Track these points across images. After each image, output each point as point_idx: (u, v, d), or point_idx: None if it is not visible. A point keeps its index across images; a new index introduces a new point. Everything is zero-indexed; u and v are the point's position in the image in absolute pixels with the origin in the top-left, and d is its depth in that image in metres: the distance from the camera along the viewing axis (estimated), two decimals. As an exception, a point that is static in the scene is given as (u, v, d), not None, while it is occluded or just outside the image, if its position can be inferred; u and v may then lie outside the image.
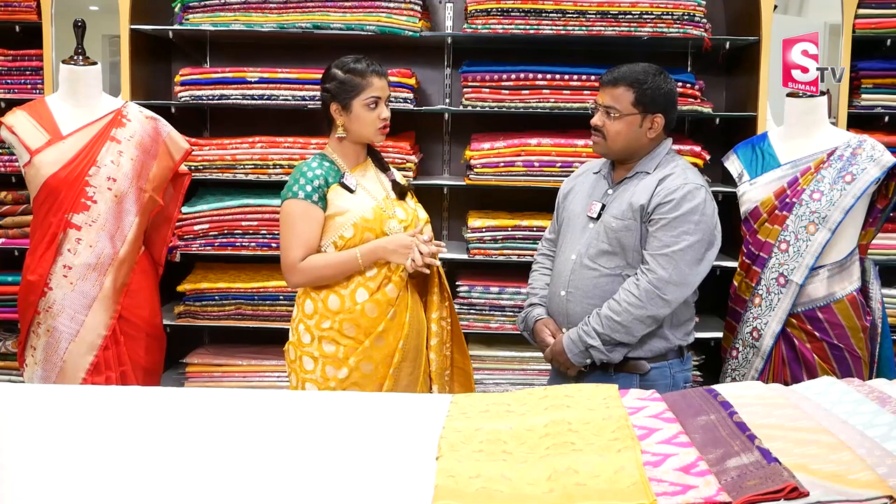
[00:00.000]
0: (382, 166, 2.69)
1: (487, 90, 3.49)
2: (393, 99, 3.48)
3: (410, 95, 3.51)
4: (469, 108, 3.52)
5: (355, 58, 2.57)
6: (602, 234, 2.51)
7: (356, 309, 2.51)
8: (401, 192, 2.67)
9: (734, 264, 3.21)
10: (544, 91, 3.47)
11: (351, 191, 2.54)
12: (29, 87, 3.66)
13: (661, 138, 2.57)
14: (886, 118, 3.59)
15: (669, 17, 3.39)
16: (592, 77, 3.42)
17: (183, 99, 3.56)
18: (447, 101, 3.83)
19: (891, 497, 1.35)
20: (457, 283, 3.56)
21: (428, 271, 2.56)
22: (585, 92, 3.45)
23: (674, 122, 2.59)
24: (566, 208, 2.70)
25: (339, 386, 2.51)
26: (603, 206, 2.55)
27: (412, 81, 3.52)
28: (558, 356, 2.54)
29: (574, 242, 2.58)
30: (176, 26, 3.56)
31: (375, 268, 2.53)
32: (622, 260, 2.49)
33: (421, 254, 2.48)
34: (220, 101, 3.55)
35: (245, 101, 3.55)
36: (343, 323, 2.51)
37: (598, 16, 3.39)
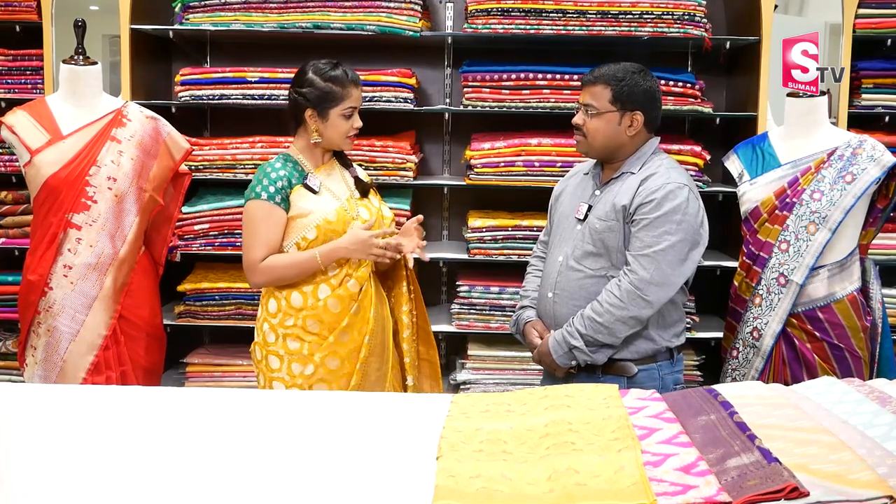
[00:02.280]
0: (345, 163, 2.71)
1: (488, 90, 3.48)
2: (393, 99, 3.50)
3: (410, 95, 3.51)
4: (469, 108, 3.52)
5: (331, 64, 2.57)
6: (587, 236, 2.50)
7: (319, 305, 2.53)
8: (363, 189, 2.68)
9: (734, 264, 3.21)
10: (544, 91, 3.47)
11: (314, 192, 2.56)
12: (29, 86, 3.65)
13: (645, 137, 2.54)
14: (887, 118, 3.58)
15: (670, 16, 3.38)
16: (593, 77, 3.42)
17: (183, 99, 3.56)
18: (447, 101, 3.83)
19: (891, 497, 1.35)
20: (457, 282, 3.56)
21: (398, 256, 2.57)
22: (586, 92, 3.45)
23: (657, 120, 2.56)
24: (557, 210, 2.69)
25: (306, 383, 2.53)
26: (589, 208, 2.53)
27: (412, 81, 3.52)
28: (544, 357, 2.53)
29: (562, 244, 2.57)
30: (176, 26, 3.56)
31: (337, 265, 2.54)
32: (607, 261, 2.48)
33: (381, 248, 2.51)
34: (220, 101, 3.55)
35: (245, 101, 3.54)
36: (307, 319, 2.53)
37: (599, 16, 3.39)
